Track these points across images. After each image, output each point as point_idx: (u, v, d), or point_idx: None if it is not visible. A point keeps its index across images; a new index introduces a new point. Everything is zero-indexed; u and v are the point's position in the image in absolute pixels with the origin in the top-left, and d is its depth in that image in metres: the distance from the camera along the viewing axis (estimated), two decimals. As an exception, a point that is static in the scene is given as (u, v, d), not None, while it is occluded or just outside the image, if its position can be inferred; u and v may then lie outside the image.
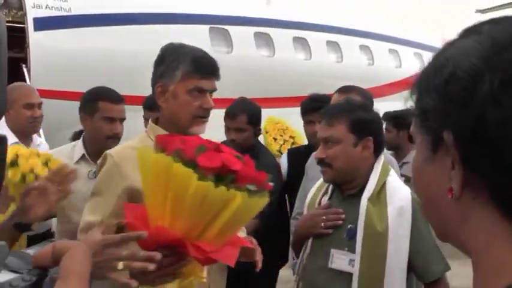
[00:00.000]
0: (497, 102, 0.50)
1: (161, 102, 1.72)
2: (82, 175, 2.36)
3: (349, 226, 1.78)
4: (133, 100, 5.84)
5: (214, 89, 1.73)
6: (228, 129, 2.97)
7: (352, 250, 1.74)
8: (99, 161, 1.80)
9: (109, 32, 6.22)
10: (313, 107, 2.96)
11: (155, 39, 6.28)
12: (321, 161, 1.84)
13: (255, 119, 2.99)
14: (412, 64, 9.89)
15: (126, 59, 6.13)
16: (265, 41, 7.58)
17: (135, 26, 6.37)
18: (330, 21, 8.65)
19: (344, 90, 2.70)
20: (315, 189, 2.04)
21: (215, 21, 7.16)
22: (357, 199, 1.80)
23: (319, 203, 1.93)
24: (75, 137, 2.89)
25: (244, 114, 2.92)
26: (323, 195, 1.95)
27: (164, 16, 6.68)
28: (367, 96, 2.64)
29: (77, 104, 2.54)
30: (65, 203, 2.28)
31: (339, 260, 1.76)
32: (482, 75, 0.52)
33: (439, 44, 11.55)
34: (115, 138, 2.42)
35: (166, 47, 1.77)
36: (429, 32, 13.29)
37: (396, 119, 3.92)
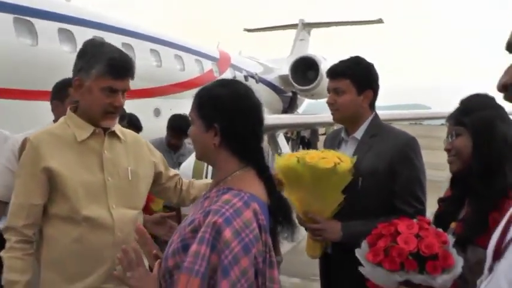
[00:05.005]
0: (237, 118, 1.25)
1: (78, 95, 1.78)
2: None
3: None
4: None
5: (127, 89, 1.79)
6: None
7: None
8: (19, 147, 1.78)
9: None
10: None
11: None
12: None
13: None
14: (193, 68, 10.51)
15: None
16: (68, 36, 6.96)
17: None
18: (126, 25, 8.48)
19: None
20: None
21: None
22: None
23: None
24: None
25: None
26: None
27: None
28: None
29: None
30: None
31: None
32: (230, 106, 1.24)
33: (215, 53, 12.53)
34: None
35: (88, 43, 1.80)
36: (207, 42, 14.25)
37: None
